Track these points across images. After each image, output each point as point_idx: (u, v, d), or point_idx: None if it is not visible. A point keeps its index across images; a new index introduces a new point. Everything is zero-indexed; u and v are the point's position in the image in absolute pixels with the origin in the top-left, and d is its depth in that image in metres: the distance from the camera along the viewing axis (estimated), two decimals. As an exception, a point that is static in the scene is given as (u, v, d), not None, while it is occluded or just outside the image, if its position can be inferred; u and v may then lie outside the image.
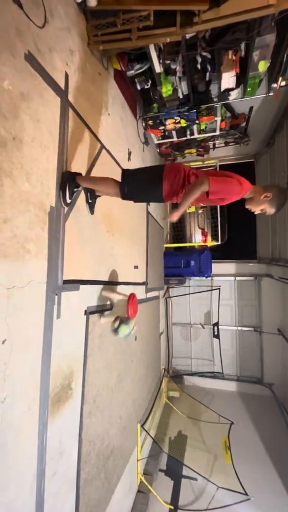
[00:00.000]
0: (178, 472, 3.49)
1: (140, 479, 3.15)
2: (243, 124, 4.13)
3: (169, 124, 3.60)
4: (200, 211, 5.46)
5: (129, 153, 3.20)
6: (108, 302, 2.40)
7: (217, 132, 4.02)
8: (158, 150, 4.82)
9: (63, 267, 1.68)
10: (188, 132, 3.92)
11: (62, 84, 1.74)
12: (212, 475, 3.24)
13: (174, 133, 3.93)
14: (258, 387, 5.17)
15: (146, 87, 3.01)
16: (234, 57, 2.63)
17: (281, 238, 4.27)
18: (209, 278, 5.44)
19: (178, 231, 5.81)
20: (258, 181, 5.33)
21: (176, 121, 3.55)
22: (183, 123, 3.56)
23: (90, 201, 2.07)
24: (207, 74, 2.88)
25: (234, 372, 5.48)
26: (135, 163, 3.41)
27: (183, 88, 3.07)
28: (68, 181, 1.70)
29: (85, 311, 2.00)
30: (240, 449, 3.72)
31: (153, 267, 4.28)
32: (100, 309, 2.25)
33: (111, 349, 2.49)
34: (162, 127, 3.73)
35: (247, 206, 1.62)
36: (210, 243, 5.37)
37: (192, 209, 5.40)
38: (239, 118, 3.96)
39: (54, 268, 1.59)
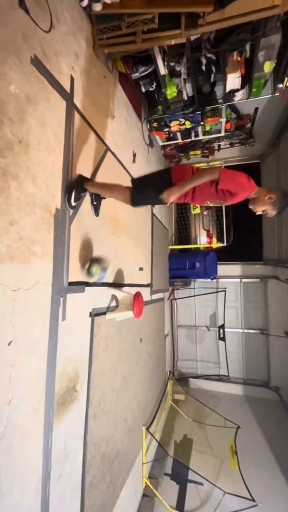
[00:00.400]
0: (184, 476, 3.44)
1: (146, 483, 3.12)
2: (248, 125, 4.10)
3: (174, 126, 3.60)
4: (205, 213, 5.44)
5: (134, 155, 3.21)
6: (113, 304, 2.40)
7: (222, 133, 4.01)
8: (162, 152, 4.82)
9: (68, 268, 1.69)
10: (193, 134, 3.91)
11: (67, 88, 1.75)
12: (218, 480, 3.19)
13: (179, 134, 3.93)
14: (264, 391, 5.09)
15: (150, 89, 3.03)
16: (239, 58, 2.62)
17: (288, 239, 4.22)
18: (215, 280, 5.40)
19: (183, 232, 5.79)
20: (264, 182, 5.29)
21: (181, 123, 3.55)
22: (188, 124, 3.56)
23: (95, 203, 2.09)
24: (212, 75, 2.88)
25: (240, 375, 5.41)
26: (139, 165, 3.42)
27: (188, 90, 3.07)
28: (75, 185, 1.73)
29: (90, 313, 2.00)
30: (247, 454, 3.66)
31: (158, 268, 4.27)
32: (105, 311, 2.24)
33: (116, 351, 2.48)
34: (166, 129, 3.73)
35: (250, 206, 1.64)
36: (216, 244, 5.34)
37: (197, 210, 5.38)
38: (244, 119, 3.94)
39: (59, 270, 1.60)
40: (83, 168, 1.96)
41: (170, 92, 3.02)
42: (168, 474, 3.55)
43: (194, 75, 2.85)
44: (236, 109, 3.79)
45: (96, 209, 2.12)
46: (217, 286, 5.54)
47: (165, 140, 4.14)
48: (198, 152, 4.75)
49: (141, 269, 3.37)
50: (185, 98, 3.17)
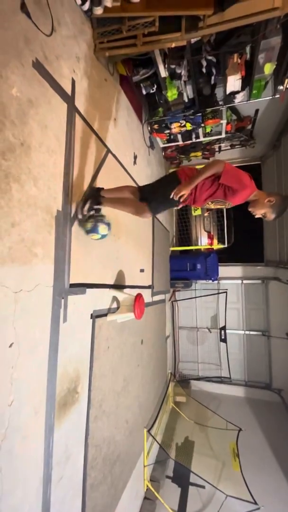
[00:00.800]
0: (186, 479, 3.42)
1: (147, 485, 3.11)
2: (249, 127, 4.11)
3: (175, 127, 3.61)
4: (206, 214, 5.44)
5: (135, 157, 3.22)
6: (114, 305, 2.40)
7: (223, 135, 4.02)
8: (163, 153, 4.84)
9: (69, 270, 1.69)
10: (193, 136, 3.92)
11: (69, 91, 1.76)
12: (220, 483, 3.17)
13: (179, 136, 3.94)
14: (266, 393, 5.07)
15: (151, 91, 3.04)
16: (239, 60, 2.63)
17: (289, 240, 4.22)
18: (216, 282, 5.39)
19: (184, 234, 5.79)
20: (264, 184, 5.29)
21: (182, 125, 3.56)
22: (189, 126, 3.57)
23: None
24: (212, 77, 2.89)
25: (241, 377, 5.39)
26: (140, 167, 3.43)
27: (189, 92, 3.08)
28: (91, 197, 1.81)
29: (91, 314, 2.00)
30: (249, 456, 3.64)
31: (159, 270, 4.27)
32: (106, 313, 2.25)
33: (117, 352, 2.48)
34: (167, 131, 3.75)
35: (250, 209, 1.66)
36: (217, 246, 5.33)
37: (198, 212, 5.39)
38: (245, 121, 3.95)
39: (60, 272, 1.60)
40: (85, 170, 1.97)
41: (171, 94, 3.04)
42: (169, 477, 3.53)
43: (195, 77, 2.86)
44: (236, 111, 3.80)
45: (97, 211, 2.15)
46: (218, 288, 5.54)
47: (166, 142, 4.16)
48: (199, 153, 4.76)
49: (142, 270, 3.37)
50: (186, 100, 3.19)
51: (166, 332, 5.02)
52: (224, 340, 5.13)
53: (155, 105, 3.40)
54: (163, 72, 2.70)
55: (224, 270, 5.44)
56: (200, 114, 3.36)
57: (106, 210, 2.08)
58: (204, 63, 2.73)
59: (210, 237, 5.45)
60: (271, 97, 3.08)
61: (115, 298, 2.41)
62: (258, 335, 5.32)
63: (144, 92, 3.05)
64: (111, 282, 2.41)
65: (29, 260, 1.34)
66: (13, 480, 1.20)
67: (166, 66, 2.66)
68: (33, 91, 1.41)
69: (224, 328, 5.16)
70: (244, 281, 5.49)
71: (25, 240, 1.32)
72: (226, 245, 5.18)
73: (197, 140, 4.06)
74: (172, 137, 3.98)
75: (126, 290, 2.66)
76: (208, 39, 2.51)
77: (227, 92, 2.98)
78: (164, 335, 4.80)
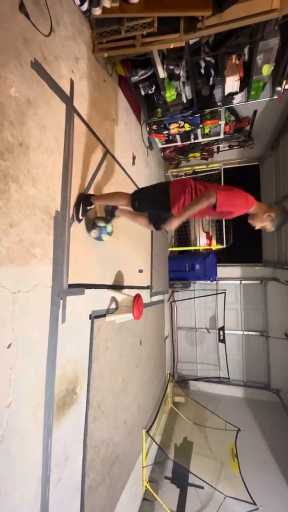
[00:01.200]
0: (184, 479, 3.42)
1: (146, 486, 3.10)
2: (247, 128, 4.12)
3: (173, 128, 3.62)
4: (204, 215, 5.44)
5: (134, 158, 3.22)
6: (113, 306, 2.40)
7: (221, 136, 4.02)
8: (162, 154, 4.84)
9: (68, 271, 1.69)
10: (192, 136, 3.92)
11: (67, 91, 1.76)
12: (219, 483, 3.17)
13: (178, 137, 3.94)
14: (265, 393, 5.07)
15: (150, 92, 3.04)
16: (237, 61, 2.64)
17: (287, 241, 4.23)
18: (214, 282, 5.40)
19: (183, 234, 5.79)
20: (263, 185, 5.31)
21: (180, 125, 3.56)
22: (187, 127, 3.58)
23: (108, 218, 2.16)
24: (211, 78, 2.89)
25: (240, 377, 5.39)
26: (139, 167, 3.43)
27: (187, 93, 3.09)
28: (82, 201, 1.83)
29: (90, 315, 2.00)
30: (247, 457, 3.64)
31: (157, 271, 4.27)
32: (105, 314, 2.24)
33: (116, 353, 2.48)
34: (166, 132, 3.75)
35: (249, 221, 1.65)
36: (215, 246, 5.33)
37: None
38: (243, 122, 3.96)
39: (59, 272, 1.60)
40: (83, 170, 1.97)
41: (169, 95, 3.04)
42: (168, 478, 3.53)
43: (193, 78, 2.87)
44: (235, 112, 3.82)
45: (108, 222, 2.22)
46: (216, 288, 5.54)
47: (164, 142, 4.16)
48: (198, 154, 4.77)
49: (140, 271, 3.37)
50: (184, 101, 3.19)
51: (165, 333, 5.02)
52: (223, 341, 5.14)
53: (153, 105, 3.40)
54: (162, 73, 2.70)
55: (223, 271, 5.45)
56: (198, 115, 3.36)
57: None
58: (203, 64, 2.74)
59: (208, 237, 5.45)
60: (269, 98, 3.08)
61: (114, 299, 2.41)
62: (257, 335, 5.33)
63: (142, 92, 3.05)
64: (110, 282, 2.41)
65: (27, 261, 1.34)
66: (11, 482, 1.20)
67: (164, 67, 2.67)
68: (32, 91, 1.40)
69: (222, 328, 5.16)
70: (243, 282, 5.51)
71: (24, 241, 1.31)
72: (224, 246, 5.19)
73: (196, 141, 4.06)
74: (170, 137, 3.99)
75: (125, 291, 2.66)
76: (206, 40, 2.52)
77: (226, 93, 2.99)
78: (163, 336, 4.80)
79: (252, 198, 1.55)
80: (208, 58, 2.68)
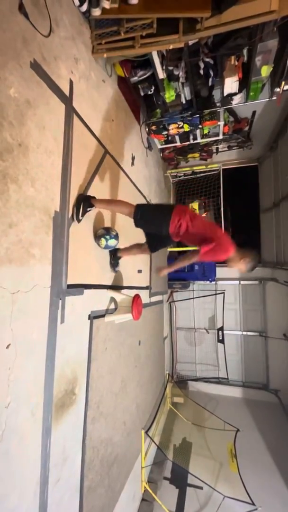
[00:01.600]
0: (183, 480, 3.42)
1: (144, 487, 3.10)
2: (246, 128, 4.14)
3: (172, 129, 3.62)
4: (203, 215, 5.45)
5: (133, 158, 3.22)
6: (112, 306, 2.40)
7: (220, 137, 4.03)
8: (161, 154, 4.85)
9: (67, 271, 1.69)
10: (191, 137, 3.93)
11: (67, 91, 1.76)
12: (218, 484, 3.17)
13: (177, 137, 3.95)
14: (264, 393, 5.08)
15: (149, 93, 3.05)
16: (236, 63, 2.65)
17: (286, 241, 4.24)
18: (213, 282, 5.40)
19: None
20: (261, 185, 5.32)
21: (179, 126, 3.57)
22: (186, 128, 3.58)
23: (112, 261, 2.40)
24: (210, 79, 2.90)
25: (239, 377, 5.40)
26: (138, 168, 3.43)
27: (186, 94, 3.09)
28: (82, 202, 1.86)
29: (89, 315, 2.00)
30: (246, 457, 3.64)
31: (156, 271, 4.27)
32: (104, 314, 2.24)
33: (115, 353, 2.48)
34: (165, 132, 3.75)
35: (228, 264, 1.96)
36: (214, 247, 5.34)
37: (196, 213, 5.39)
38: (242, 123, 3.97)
39: (58, 273, 1.60)
40: (82, 171, 1.97)
41: (169, 95, 3.05)
42: (167, 478, 3.53)
43: (192, 79, 2.88)
44: (234, 113, 3.82)
45: (114, 266, 2.44)
46: (215, 289, 5.55)
47: (163, 143, 4.17)
48: (197, 155, 4.78)
49: (139, 271, 3.37)
50: (184, 101, 3.20)
51: (164, 333, 5.02)
52: (221, 341, 5.14)
53: (153, 106, 3.41)
54: (161, 74, 2.70)
55: (222, 271, 5.45)
56: (197, 115, 3.37)
57: (104, 212, 2.08)
58: (202, 65, 2.75)
59: (207, 238, 5.45)
60: (268, 99, 3.09)
61: (113, 299, 2.41)
62: (256, 335, 5.34)
63: (142, 93, 3.05)
64: (109, 283, 2.41)
65: (26, 261, 1.33)
66: (9, 483, 1.20)
67: (164, 67, 2.67)
68: (31, 92, 1.41)
69: (221, 329, 5.17)
70: (242, 282, 5.51)
71: (23, 241, 1.31)
72: (223, 246, 5.19)
73: (195, 142, 4.07)
74: (169, 138, 3.99)
75: (124, 291, 2.66)
76: (205, 41, 2.53)
77: (225, 94, 2.99)
78: (162, 336, 4.80)
79: (232, 248, 1.82)
80: (207, 59, 2.69)
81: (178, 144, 4.14)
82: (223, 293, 5.31)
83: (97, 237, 2.10)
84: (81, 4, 1.87)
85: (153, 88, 2.99)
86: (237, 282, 5.53)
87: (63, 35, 1.74)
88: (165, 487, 3.39)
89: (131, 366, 2.92)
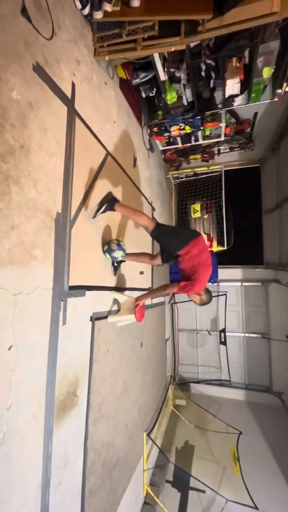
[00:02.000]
0: (186, 483, 3.39)
1: (146, 490, 3.08)
2: (248, 130, 4.13)
3: (174, 130, 3.63)
4: (205, 216, 5.45)
5: (135, 160, 3.23)
6: (114, 308, 2.39)
7: (222, 138, 4.03)
8: (163, 156, 4.86)
9: (69, 272, 1.69)
10: (193, 138, 3.94)
11: (69, 94, 1.77)
12: (220, 487, 3.14)
13: (179, 139, 3.96)
14: (267, 396, 5.04)
15: (151, 94, 3.06)
16: (238, 64, 2.66)
17: (288, 243, 4.22)
18: (216, 284, 5.38)
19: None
20: (263, 186, 5.31)
21: (181, 128, 3.58)
22: (188, 129, 3.58)
23: (115, 264, 2.42)
24: (212, 81, 2.90)
25: (242, 380, 5.36)
26: (140, 169, 3.44)
27: (188, 95, 3.10)
28: (108, 202, 1.98)
29: (91, 317, 1.99)
30: (249, 460, 3.61)
31: (158, 272, 4.26)
32: (106, 316, 2.24)
33: (117, 355, 2.47)
34: (167, 134, 3.76)
35: (190, 297, 2.20)
36: (216, 248, 5.33)
37: (198, 214, 5.39)
38: (244, 124, 3.97)
39: (60, 274, 1.60)
40: (84, 172, 1.98)
41: (170, 97, 3.06)
42: (169, 481, 3.50)
43: (194, 81, 2.88)
44: (235, 114, 3.82)
45: (115, 269, 2.46)
46: (218, 290, 5.52)
47: (165, 144, 4.17)
48: (198, 156, 4.78)
49: (141, 273, 3.37)
50: (185, 103, 3.21)
51: (165, 335, 5.00)
52: (224, 343, 5.12)
53: (154, 108, 3.43)
54: (163, 76, 2.71)
55: (224, 273, 5.44)
56: (199, 117, 3.37)
57: (106, 214, 2.09)
58: (203, 67, 2.75)
59: (209, 239, 5.45)
60: (269, 101, 3.09)
61: (115, 301, 2.41)
62: (258, 337, 5.31)
63: (143, 95, 3.07)
64: (111, 284, 2.41)
65: (28, 263, 1.33)
66: (11, 486, 1.19)
67: (165, 69, 2.68)
68: (33, 94, 1.41)
69: (224, 330, 5.14)
70: (244, 284, 5.49)
71: (25, 243, 1.31)
72: (225, 247, 5.18)
73: (197, 143, 4.07)
74: (171, 140, 4.00)
75: (126, 293, 2.65)
76: (207, 43, 2.54)
77: (226, 95, 3.00)
78: (163, 338, 4.78)
79: (202, 287, 2.08)
80: (208, 61, 2.69)
81: (179, 145, 4.15)
82: (225, 294, 5.29)
83: (104, 252, 2.20)
84: (83, 7, 1.88)
85: (154, 90, 3.00)
86: (239, 283, 5.51)
87: (65, 37, 1.75)
88: (167, 490, 3.36)
89: (133, 368, 2.91)
